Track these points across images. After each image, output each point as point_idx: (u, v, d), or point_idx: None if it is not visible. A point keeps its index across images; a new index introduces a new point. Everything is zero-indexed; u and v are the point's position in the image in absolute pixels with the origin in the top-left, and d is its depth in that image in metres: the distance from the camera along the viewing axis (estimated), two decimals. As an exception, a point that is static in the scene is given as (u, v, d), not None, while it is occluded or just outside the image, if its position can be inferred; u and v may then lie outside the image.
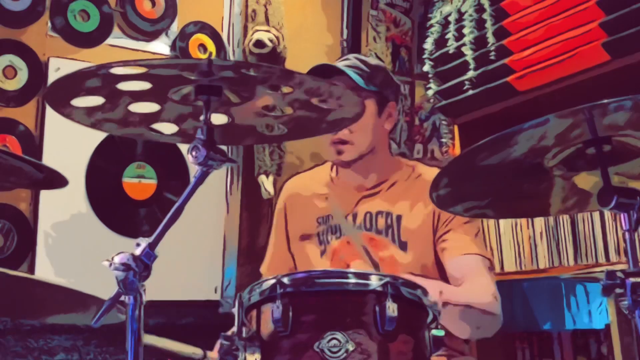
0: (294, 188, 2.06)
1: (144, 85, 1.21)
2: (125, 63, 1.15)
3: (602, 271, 1.22)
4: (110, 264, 1.10)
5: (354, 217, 1.91)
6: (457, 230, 1.83)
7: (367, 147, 1.90)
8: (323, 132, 1.47)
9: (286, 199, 2.05)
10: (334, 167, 2.02)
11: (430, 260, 1.87)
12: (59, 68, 2.73)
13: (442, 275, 1.83)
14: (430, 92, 2.84)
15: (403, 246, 1.86)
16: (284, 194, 2.08)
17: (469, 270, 1.77)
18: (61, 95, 1.21)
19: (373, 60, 2.00)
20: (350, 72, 1.87)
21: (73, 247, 2.67)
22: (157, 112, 1.31)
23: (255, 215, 3.07)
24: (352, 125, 1.79)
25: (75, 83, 1.18)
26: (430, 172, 1.93)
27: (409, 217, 1.88)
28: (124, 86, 1.20)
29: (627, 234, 1.23)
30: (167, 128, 1.37)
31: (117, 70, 1.14)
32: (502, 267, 2.61)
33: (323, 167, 2.08)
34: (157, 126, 1.36)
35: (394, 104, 1.98)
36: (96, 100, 1.24)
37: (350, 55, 2.00)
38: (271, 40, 3.01)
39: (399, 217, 1.89)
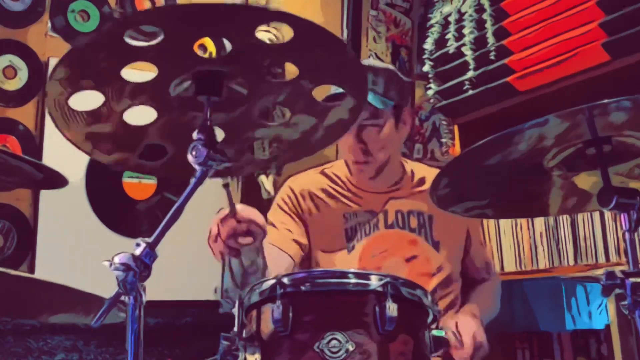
0: (308, 183, 1.98)
1: (148, 76, 1.20)
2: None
3: (602, 271, 1.22)
4: (110, 264, 1.10)
5: (385, 215, 1.91)
6: (480, 243, 2.07)
7: (385, 160, 1.92)
8: (316, 149, 1.43)
9: (300, 193, 1.95)
10: (349, 169, 1.99)
11: (459, 262, 1.98)
12: (59, 68, 2.73)
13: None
14: (430, 92, 2.83)
15: (436, 246, 1.90)
16: (292, 189, 1.97)
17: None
18: (63, 87, 1.20)
19: (380, 64, 2.00)
20: (370, 98, 1.82)
21: (73, 247, 2.67)
22: (152, 123, 1.30)
23: (255, 215, 3.07)
24: (370, 144, 1.87)
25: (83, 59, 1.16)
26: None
27: (441, 217, 1.90)
28: (129, 76, 1.19)
29: (627, 234, 1.22)
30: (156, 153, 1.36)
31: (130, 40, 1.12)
32: (502, 267, 2.61)
33: (335, 166, 2.03)
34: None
35: (408, 108, 1.98)
36: (95, 100, 1.24)
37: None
38: (271, 40, 3.01)
39: (430, 217, 1.91)
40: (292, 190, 1.97)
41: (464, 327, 1.70)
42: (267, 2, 3.09)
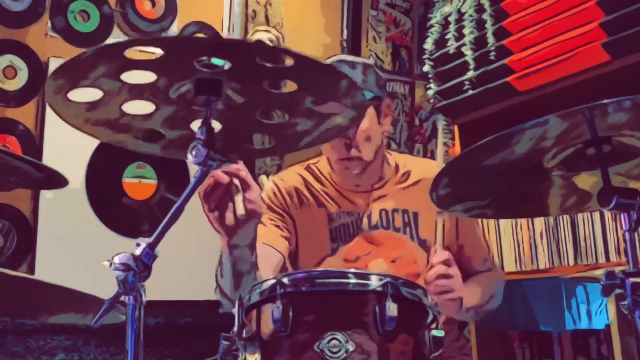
0: (292, 180, 1.95)
1: (150, 77, 1.20)
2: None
3: (602, 271, 1.22)
4: (110, 264, 1.10)
5: (369, 215, 1.89)
6: (474, 234, 2.01)
7: (373, 156, 1.89)
8: (313, 144, 1.44)
9: (285, 190, 1.93)
10: (332, 168, 1.97)
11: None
12: (59, 68, 2.73)
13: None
14: (430, 92, 2.84)
15: (422, 244, 1.88)
16: (277, 185, 1.94)
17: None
18: (61, 84, 1.20)
19: (357, 59, 1.96)
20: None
21: (73, 247, 2.67)
22: (149, 114, 1.30)
23: (255, 215, 3.06)
24: (358, 141, 1.83)
25: (82, 67, 1.17)
26: (424, 167, 1.97)
27: (427, 214, 1.87)
28: (128, 77, 1.19)
29: (627, 234, 1.22)
30: (155, 136, 1.36)
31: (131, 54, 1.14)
32: (502, 267, 2.61)
33: (321, 163, 2.00)
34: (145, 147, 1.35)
35: (388, 100, 1.95)
36: (94, 94, 1.24)
37: (334, 59, 1.95)
38: (271, 40, 3.01)
39: (415, 215, 1.89)
40: (277, 186, 1.94)
41: (439, 257, 1.67)
42: (267, 2, 3.09)
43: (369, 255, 1.86)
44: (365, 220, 1.89)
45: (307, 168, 1.99)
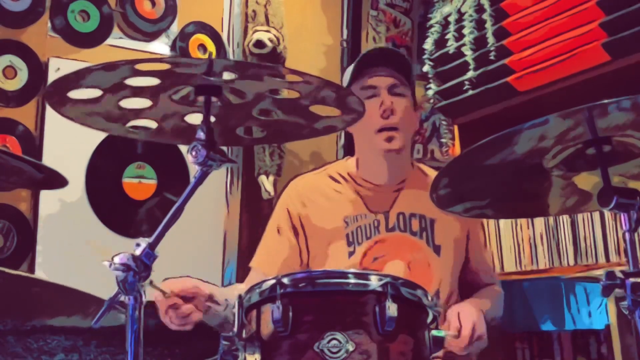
0: (309, 187, 1.95)
1: (153, 81, 1.21)
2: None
3: (602, 272, 1.22)
4: (110, 264, 1.11)
5: (386, 217, 1.88)
6: (481, 247, 2.01)
7: (410, 137, 1.91)
8: (303, 138, 1.48)
9: (300, 198, 1.92)
10: (356, 164, 1.96)
11: (458, 269, 1.93)
12: (59, 68, 2.73)
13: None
14: (430, 93, 2.83)
15: (437, 250, 1.87)
16: (294, 193, 1.95)
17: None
18: (63, 86, 1.21)
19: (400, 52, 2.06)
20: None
21: (73, 247, 2.67)
22: (145, 108, 1.30)
23: (255, 216, 3.07)
24: (398, 112, 1.86)
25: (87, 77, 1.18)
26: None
27: (442, 221, 1.87)
28: (132, 82, 1.20)
29: (627, 234, 1.23)
30: (148, 124, 1.37)
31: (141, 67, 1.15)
32: (502, 267, 2.60)
33: (338, 165, 2.00)
34: (137, 123, 1.36)
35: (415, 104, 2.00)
36: (94, 93, 1.24)
37: (384, 47, 2.01)
38: (271, 41, 3.01)
39: (432, 221, 1.88)
40: (294, 193, 1.95)
41: (466, 317, 1.65)
42: (267, 2, 3.08)
43: (385, 257, 1.85)
44: (382, 222, 1.87)
45: (324, 173, 1.98)
